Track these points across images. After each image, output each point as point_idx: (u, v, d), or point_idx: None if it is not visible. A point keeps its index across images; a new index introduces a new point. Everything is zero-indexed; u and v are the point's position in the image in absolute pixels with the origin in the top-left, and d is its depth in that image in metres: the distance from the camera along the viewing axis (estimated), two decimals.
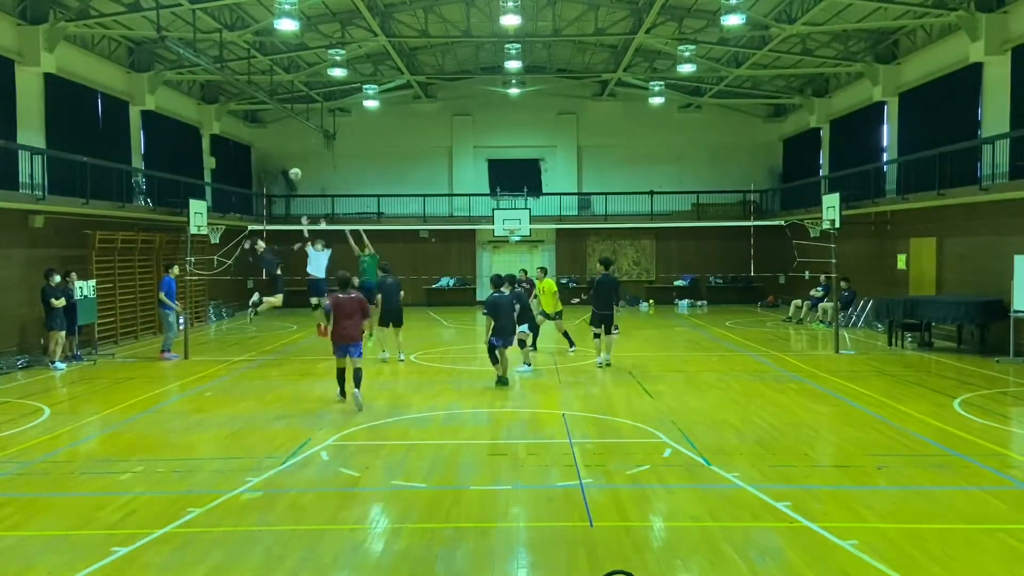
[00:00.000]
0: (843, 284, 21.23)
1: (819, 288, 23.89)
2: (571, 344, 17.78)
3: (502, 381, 13.59)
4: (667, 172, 31.95)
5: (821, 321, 22.95)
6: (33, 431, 10.69)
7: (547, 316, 17.31)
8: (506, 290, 13.89)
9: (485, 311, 13.77)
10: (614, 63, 27.65)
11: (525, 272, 20.42)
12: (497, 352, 13.47)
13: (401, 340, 16.87)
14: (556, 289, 17.40)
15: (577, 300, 21.62)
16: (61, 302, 16.13)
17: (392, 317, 16.32)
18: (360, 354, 12.08)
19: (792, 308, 24.62)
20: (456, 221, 31.11)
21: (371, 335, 16.49)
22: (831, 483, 8.14)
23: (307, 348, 19.03)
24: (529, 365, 15.28)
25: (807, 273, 24.47)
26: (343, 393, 12.32)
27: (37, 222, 17.41)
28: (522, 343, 15.28)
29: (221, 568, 6.15)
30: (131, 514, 7.31)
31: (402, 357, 16.73)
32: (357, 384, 11.79)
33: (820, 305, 23.49)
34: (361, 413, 11.52)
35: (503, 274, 14.90)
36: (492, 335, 13.39)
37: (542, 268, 18.78)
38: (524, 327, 15.47)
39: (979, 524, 6.95)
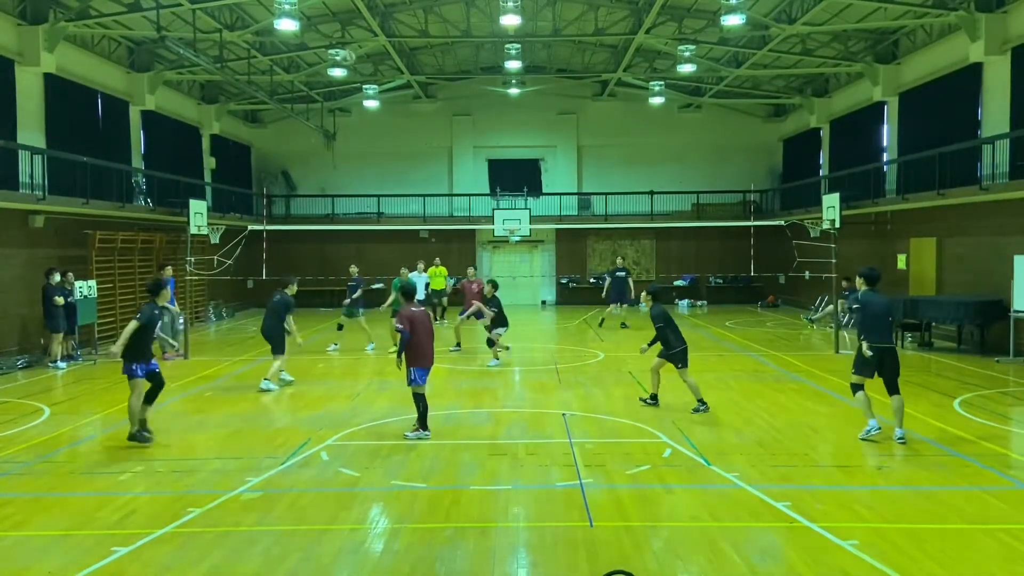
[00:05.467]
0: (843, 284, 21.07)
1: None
2: None
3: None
4: (667, 172, 31.90)
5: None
6: (33, 431, 10.69)
7: None
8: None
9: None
10: (614, 63, 27.63)
11: (474, 269, 20.47)
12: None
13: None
14: None
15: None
16: (62, 300, 16.22)
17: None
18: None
19: (820, 311, 22.79)
20: (456, 221, 31.09)
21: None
22: (831, 483, 8.14)
23: (306, 348, 19.00)
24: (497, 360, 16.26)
25: (807, 273, 24.44)
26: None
27: (37, 222, 17.40)
28: (491, 342, 16.49)
29: (221, 568, 6.15)
30: (131, 514, 7.31)
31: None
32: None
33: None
34: (361, 413, 11.54)
35: None
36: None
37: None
38: (500, 329, 16.45)
39: (979, 524, 6.95)
